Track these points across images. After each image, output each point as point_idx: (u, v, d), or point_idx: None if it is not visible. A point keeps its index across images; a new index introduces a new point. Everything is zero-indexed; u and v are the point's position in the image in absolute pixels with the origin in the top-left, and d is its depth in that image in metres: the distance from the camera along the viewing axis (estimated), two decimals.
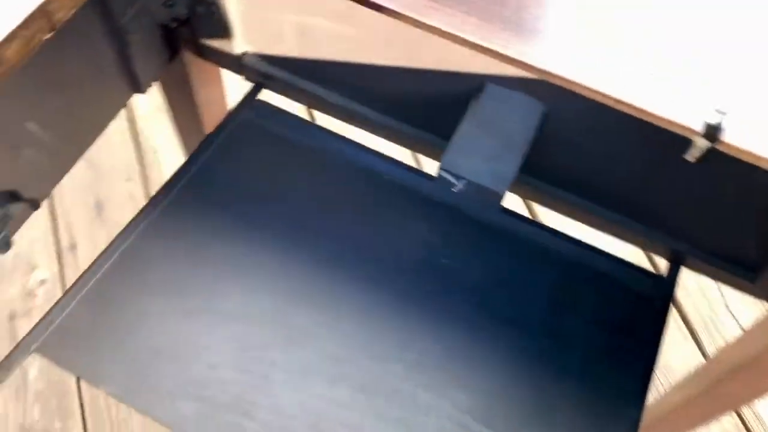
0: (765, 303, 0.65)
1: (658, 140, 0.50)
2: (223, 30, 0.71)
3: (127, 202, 1.29)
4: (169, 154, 1.36)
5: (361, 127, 0.71)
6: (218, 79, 0.83)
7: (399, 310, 0.62)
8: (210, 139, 0.72)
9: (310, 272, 0.63)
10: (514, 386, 0.59)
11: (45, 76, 0.59)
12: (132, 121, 1.41)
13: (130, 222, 0.66)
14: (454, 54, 0.60)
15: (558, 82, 0.45)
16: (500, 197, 0.60)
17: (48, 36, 0.47)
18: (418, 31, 0.48)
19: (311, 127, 0.74)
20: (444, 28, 0.45)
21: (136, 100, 1.40)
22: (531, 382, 0.59)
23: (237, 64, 0.74)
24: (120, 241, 0.64)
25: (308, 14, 0.65)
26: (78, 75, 0.64)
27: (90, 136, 0.70)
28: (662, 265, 0.76)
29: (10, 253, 1.26)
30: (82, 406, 1.12)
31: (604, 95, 0.44)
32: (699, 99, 0.44)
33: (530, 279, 0.64)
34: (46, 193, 0.67)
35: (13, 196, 0.62)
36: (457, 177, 0.60)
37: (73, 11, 0.48)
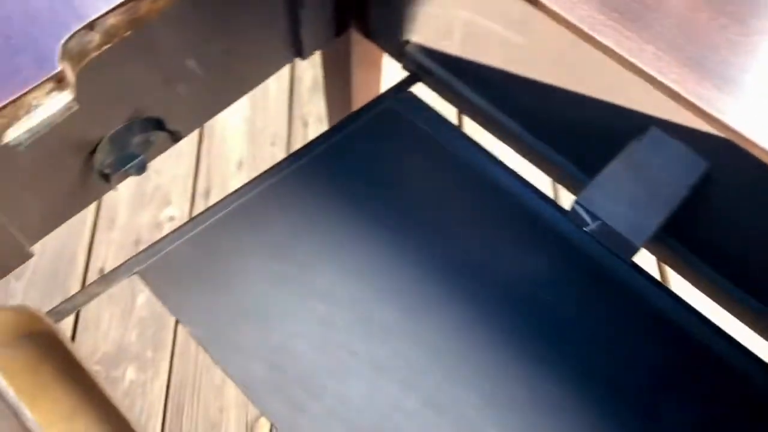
0: None
1: None
2: (392, 14, 0.71)
3: (266, 164, 1.33)
4: (316, 130, 1.39)
5: (505, 142, 0.68)
6: (377, 63, 0.83)
7: (489, 337, 0.58)
8: (353, 117, 0.72)
9: (410, 273, 0.61)
10: None
11: (213, 18, 0.61)
12: (292, 92, 1.45)
13: (254, 178, 0.66)
14: (624, 87, 0.55)
15: (738, 141, 0.40)
16: (634, 250, 0.55)
17: None
18: (590, 52, 0.45)
19: (454, 130, 0.72)
20: (616, 49, 0.42)
21: (301, 71, 1.44)
22: None
23: (398, 50, 0.73)
24: (239, 195, 0.65)
25: (480, 14, 0.63)
26: (245, 24, 0.65)
27: (242, 87, 0.71)
28: None
29: (151, 183, 1.34)
30: (174, 343, 1.16)
31: None
32: None
33: (640, 346, 0.58)
34: (189, 131, 0.69)
35: (159, 125, 0.64)
36: (593, 216, 0.56)
37: None
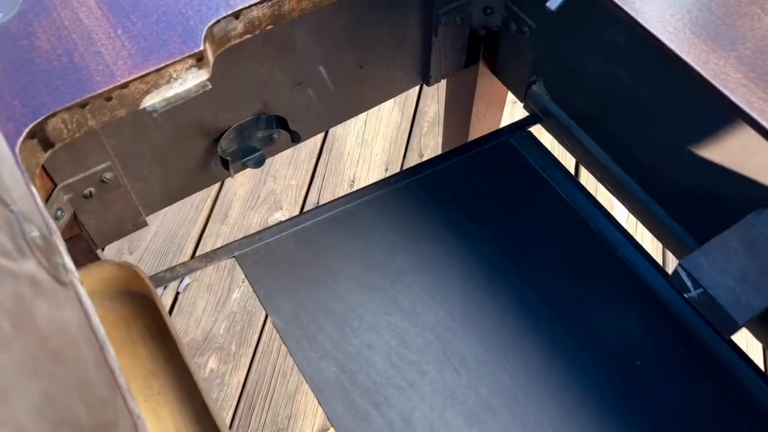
0: None
1: None
2: (520, 53, 0.71)
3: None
4: None
5: (618, 197, 0.66)
6: (500, 100, 0.83)
7: (567, 390, 0.56)
8: (468, 146, 0.72)
9: (497, 309, 0.61)
10: None
11: (350, 30, 0.64)
12: (413, 122, 1.47)
13: (363, 188, 0.68)
14: (754, 155, 0.53)
15: None
16: (735, 327, 0.52)
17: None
18: (721, 115, 0.44)
19: (567, 176, 0.71)
20: (747, 109, 0.40)
21: (426, 104, 1.47)
22: None
23: (522, 90, 0.74)
24: (346, 201, 0.67)
25: (612, 63, 0.62)
26: (379, 42, 0.68)
27: (366, 102, 0.74)
28: None
29: (266, 187, 1.39)
30: (258, 342, 1.19)
31: None
32: None
33: (722, 424, 0.55)
34: (310, 135, 0.72)
35: (283, 124, 0.67)
36: (696, 283, 0.53)
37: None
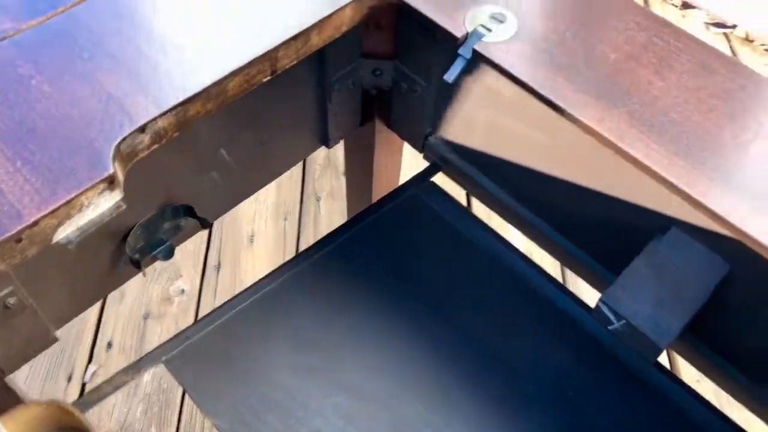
0: None
1: None
2: (415, 108, 0.73)
3: (278, 238, 1.34)
4: (328, 206, 1.41)
5: (527, 236, 0.69)
6: (399, 150, 0.85)
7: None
8: (377, 206, 0.73)
9: (433, 367, 0.61)
10: None
11: (251, 113, 0.63)
12: (305, 168, 1.47)
13: (279, 267, 0.67)
14: (646, 188, 0.57)
15: (761, 251, 0.41)
16: (658, 351, 0.55)
17: (267, 78, 0.50)
18: (614, 157, 0.46)
19: (478, 222, 0.73)
20: (646, 161, 0.43)
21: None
22: None
23: (420, 142, 0.75)
24: (264, 284, 0.66)
25: (504, 114, 0.65)
26: (277, 116, 0.68)
27: (270, 174, 0.73)
28: None
29: None
30: (179, 421, 1.15)
31: None
32: None
33: None
34: (218, 216, 0.70)
35: (189, 212, 0.66)
36: (617, 316, 0.56)
37: (295, 62, 0.51)
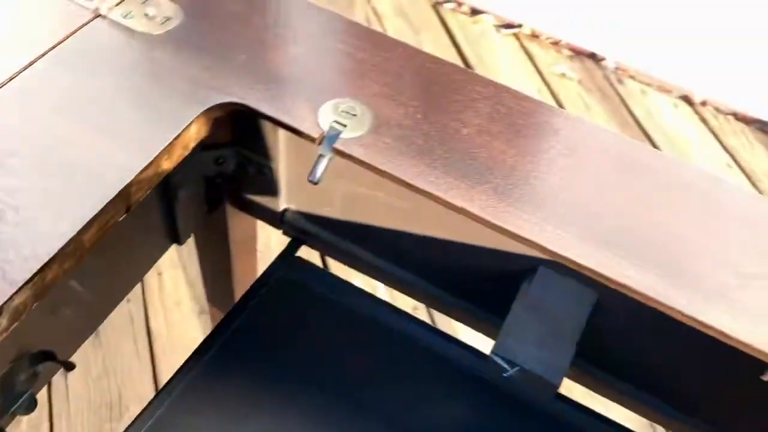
0: None
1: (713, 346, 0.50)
2: (268, 187, 0.71)
3: (126, 325, 1.26)
4: (173, 277, 1.34)
5: (408, 295, 0.70)
6: (253, 228, 0.83)
7: None
8: (249, 294, 0.71)
9: None
10: None
11: (99, 245, 0.58)
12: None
13: (167, 384, 0.63)
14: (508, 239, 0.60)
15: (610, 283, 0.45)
16: (555, 388, 0.58)
17: (122, 217, 0.47)
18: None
19: (352, 288, 0.73)
20: (497, 222, 0.46)
21: None
22: None
23: (278, 219, 0.74)
24: (154, 408, 0.61)
25: (360, 185, 0.65)
26: (124, 231, 0.63)
27: (125, 289, 0.68)
28: None
29: None
30: None
31: (684, 315, 0.44)
32: None
33: None
34: (76, 350, 0.64)
35: (46, 356, 0.59)
36: (511, 363, 0.59)
37: (149, 192, 0.48)
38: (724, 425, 0.63)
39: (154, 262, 0.71)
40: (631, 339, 0.62)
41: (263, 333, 0.68)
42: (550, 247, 0.46)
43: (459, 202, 0.46)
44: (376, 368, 0.66)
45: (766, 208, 0.51)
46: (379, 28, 1.99)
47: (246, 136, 0.65)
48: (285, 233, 0.76)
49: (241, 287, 0.86)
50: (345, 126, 0.50)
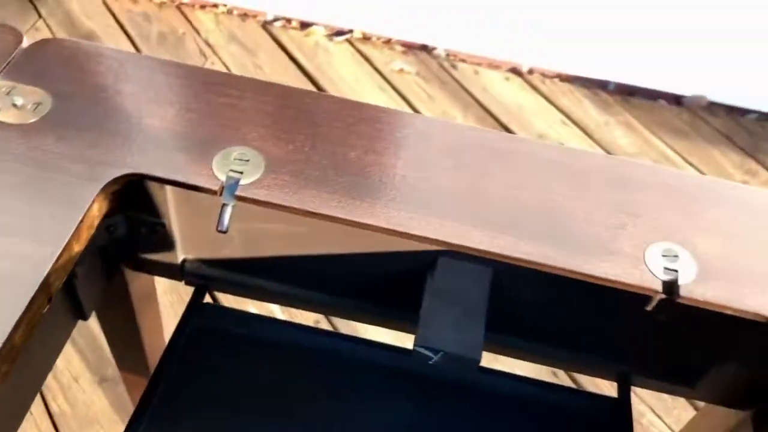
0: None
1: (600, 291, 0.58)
2: (163, 244, 0.72)
3: (25, 418, 1.20)
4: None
5: (324, 314, 0.74)
6: (152, 285, 0.83)
7: None
8: (169, 353, 0.71)
9: None
10: None
11: None
12: None
13: None
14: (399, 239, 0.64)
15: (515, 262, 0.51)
16: (476, 362, 0.64)
17: (46, 309, 0.47)
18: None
19: (266, 320, 0.75)
20: (388, 226, 0.51)
21: None
22: None
23: (178, 271, 0.75)
24: None
25: (257, 222, 0.68)
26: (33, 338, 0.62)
27: (42, 377, 0.67)
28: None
29: None
30: None
31: (565, 270, 0.51)
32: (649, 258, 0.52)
33: (507, 427, 0.68)
34: None
35: None
36: (434, 351, 0.64)
37: (65, 277, 0.48)
38: (619, 357, 0.72)
39: (64, 343, 0.70)
40: (527, 301, 0.69)
41: (195, 384, 0.69)
42: (455, 242, 0.51)
43: (366, 220, 0.51)
44: (314, 388, 0.69)
45: (615, 164, 0.59)
46: (216, 59, 1.99)
47: (133, 200, 0.66)
48: (187, 283, 0.77)
49: (152, 345, 0.85)
50: (241, 173, 0.52)
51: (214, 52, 2.00)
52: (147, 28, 2.04)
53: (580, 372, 0.74)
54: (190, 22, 2.08)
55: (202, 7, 2.13)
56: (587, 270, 0.51)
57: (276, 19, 2.11)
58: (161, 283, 0.85)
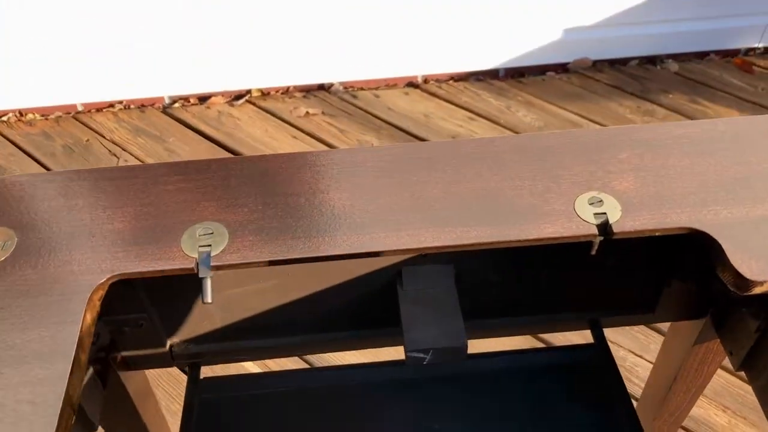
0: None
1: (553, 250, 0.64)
2: (150, 336, 0.76)
3: None
4: None
5: (296, 355, 0.78)
6: (145, 378, 0.86)
7: None
8: None
9: None
10: None
11: None
12: None
13: None
14: (367, 260, 0.70)
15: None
16: (464, 349, 0.70)
17: (73, 420, 0.50)
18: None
19: (264, 377, 0.79)
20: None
21: None
22: None
23: (168, 358, 0.78)
24: None
25: (229, 288, 0.72)
26: None
27: None
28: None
29: None
30: None
31: (514, 241, 0.58)
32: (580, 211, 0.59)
33: (508, 399, 0.74)
34: None
35: None
36: (425, 351, 0.70)
37: (81, 387, 0.52)
38: (586, 306, 0.79)
39: None
40: (493, 282, 0.76)
41: None
42: (414, 246, 0.57)
43: (332, 252, 0.56)
44: (331, 421, 0.74)
45: (525, 141, 0.67)
46: (127, 155, 2.01)
47: (109, 305, 0.70)
48: (178, 366, 0.80)
49: None
50: (210, 245, 0.57)
51: (124, 149, 2.03)
52: (50, 145, 2.05)
53: (556, 331, 0.81)
54: (90, 128, 2.10)
55: (98, 110, 2.15)
56: (533, 235, 0.58)
57: (174, 101, 2.15)
58: (150, 374, 0.87)
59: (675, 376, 0.88)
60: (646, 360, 1.45)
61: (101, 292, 0.56)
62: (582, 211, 0.59)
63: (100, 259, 0.57)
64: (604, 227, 0.58)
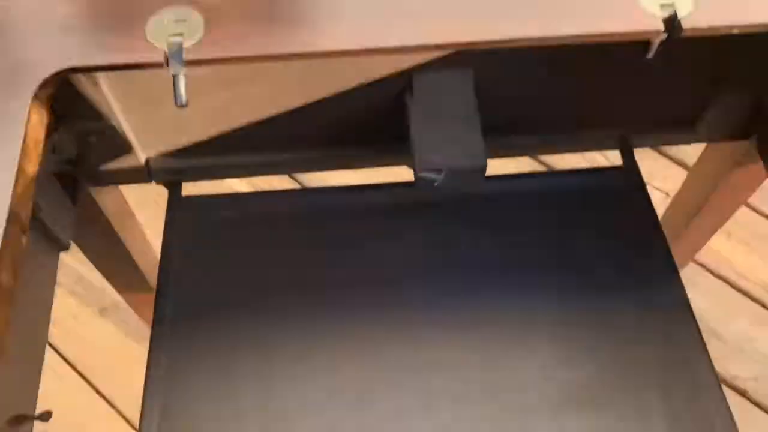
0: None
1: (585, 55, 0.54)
2: (119, 147, 0.66)
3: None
4: None
5: (311, 170, 0.70)
6: (122, 196, 0.78)
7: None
8: (166, 260, 0.68)
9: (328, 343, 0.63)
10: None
11: None
12: None
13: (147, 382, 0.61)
14: (372, 63, 0.59)
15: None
16: (484, 168, 0.61)
17: (24, 240, 0.42)
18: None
19: (252, 196, 0.71)
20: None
21: None
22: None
23: (145, 173, 0.69)
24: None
25: (209, 97, 0.61)
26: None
27: (47, 318, 0.63)
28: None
29: None
30: None
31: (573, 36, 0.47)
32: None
33: (534, 223, 0.67)
34: (35, 401, 0.60)
35: (18, 419, 0.55)
36: (437, 171, 0.61)
37: (31, 203, 0.43)
38: (617, 122, 0.69)
39: (54, 280, 0.65)
40: (516, 95, 0.65)
41: (206, 277, 0.66)
42: (440, 41, 0.46)
43: (334, 47, 0.45)
44: (326, 245, 0.67)
45: None
46: None
47: (68, 109, 0.59)
48: (157, 182, 0.72)
49: (144, 261, 0.82)
50: (182, 34, 0.46)
51: None
52: None
53: (581, 150, 0.72)
54: None
55: None
56: (595, 30, 0.46)
57: None
58: (132, 199, 0.79)
59: (701, 206, 0.81)
60: (664, 192, 1.37)
61: (50, 90, 0.45)
62: (645, 2, 0.48)
63: (47, 49, 0.46)
64: (672, 22, 0.47)
